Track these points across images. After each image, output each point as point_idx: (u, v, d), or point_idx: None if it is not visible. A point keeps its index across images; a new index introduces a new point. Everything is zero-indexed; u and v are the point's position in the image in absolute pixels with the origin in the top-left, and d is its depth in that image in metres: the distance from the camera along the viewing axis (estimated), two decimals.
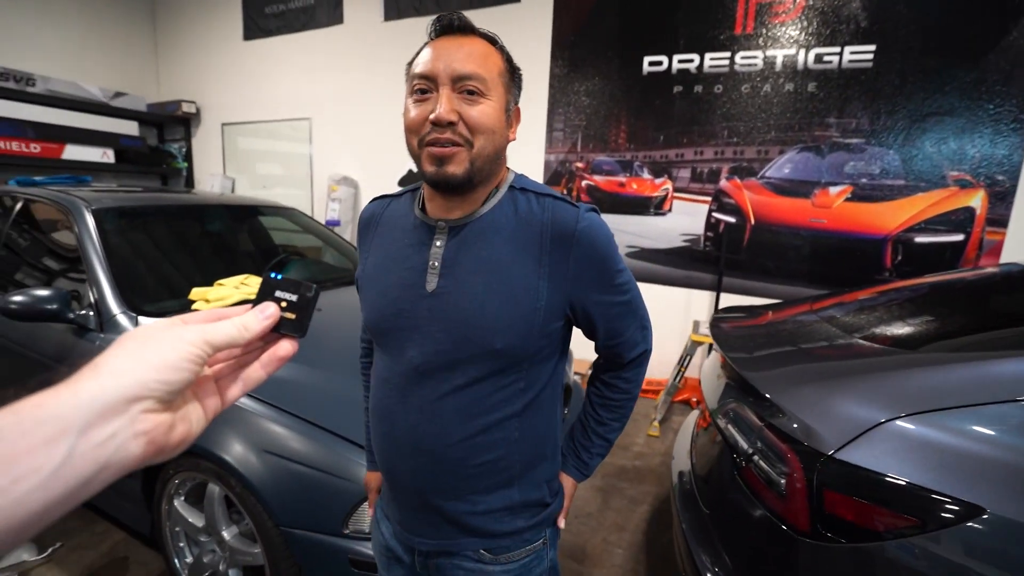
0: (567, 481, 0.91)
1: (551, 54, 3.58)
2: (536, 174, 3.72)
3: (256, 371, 0.40)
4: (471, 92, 0.68)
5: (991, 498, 0.85)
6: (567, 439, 0.94)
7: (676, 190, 3.40)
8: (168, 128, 5.58)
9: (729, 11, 3.08)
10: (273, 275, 0.41)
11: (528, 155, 3.75)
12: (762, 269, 3.21)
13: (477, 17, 0.71)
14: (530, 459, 0.81)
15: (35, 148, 4.28)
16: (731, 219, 3.25)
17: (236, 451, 1.34)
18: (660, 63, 3.30)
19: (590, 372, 0.94)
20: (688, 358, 3.08)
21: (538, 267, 0.73)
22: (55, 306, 1.65)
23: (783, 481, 1.04)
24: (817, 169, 3.01)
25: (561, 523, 0.89)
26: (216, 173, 5.38)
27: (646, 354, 0.88)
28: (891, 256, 2.88)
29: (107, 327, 1.71)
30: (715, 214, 3.30)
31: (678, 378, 3.10)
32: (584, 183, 3.65)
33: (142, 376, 0.29)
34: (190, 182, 5.60)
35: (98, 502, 1.87)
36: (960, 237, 2.75)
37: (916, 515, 0.89)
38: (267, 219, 2.83)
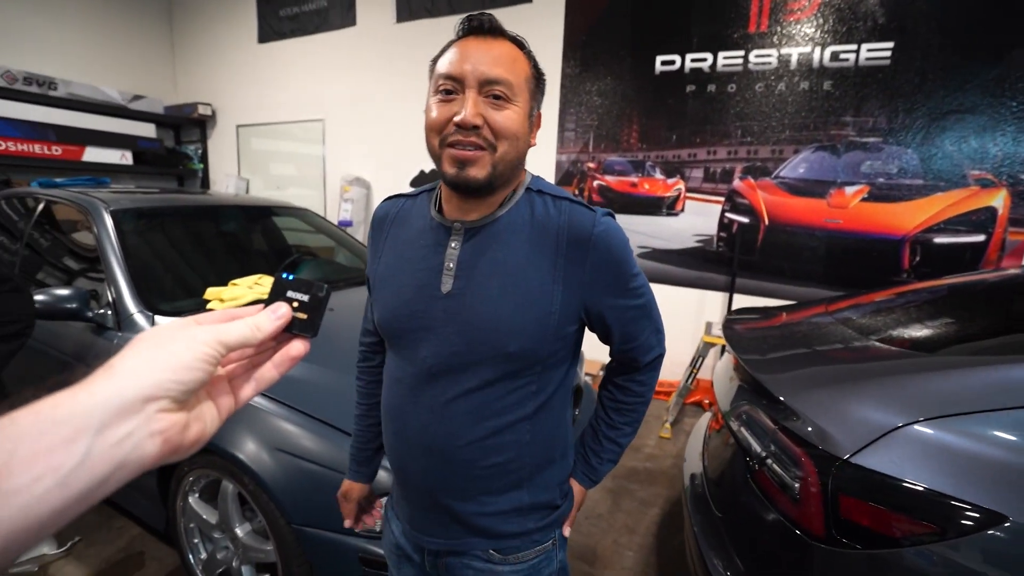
0: (576, 488, 0.90)
1: (563, 54, 3.57)
2: (547, 174, 3.72)
3: (269, 371, 0.40)
4: (497, 97, 0.68)
5: (1014, 506, 0.83)
6: (578, 444, 0.93)
7: (689, 190, 3.37)
8: (184, 130, 5.67)
9: (743, 10, 3.05)
10: (285, 275, 0.42)
11: (539, 155, 3.74)
12: (776, 270, 3.17)
13: (489, 12, 0.71)
14: (540, 461, 0.81)
15: (57, 150, 4.38)
16: (744, 219, 3.22)
17: (249, 449, 1.36)
18: (673, 62, 3.28)
19: (602, 376, 0.93)
20: (700, 360, 3.05)
21: (553, 271, 0.73)
22: (75, 305, 1.68)
23: (797, 485, 1.02)
24: (833, 169, 2.96)
25: (566, 531, 0.88)
26: (231, 174, 5.46)
27: (660, 358, 0.87)
28: (909, 257, 2.83)
29: (124, 326, 1.74)
30: (728, 214, 3.27)
31: (690, 380, 3.07)
32: (596, 183, 3.63)
33: (157, 376, 0.30)
34: (206, 183, 5.68)
35: (115, 498, 1.90)
36: (981, 238, 2.69)
37: (935, 522, 0.87)
38: (280, 219, 2.86)
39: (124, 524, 1.97)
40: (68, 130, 4.44)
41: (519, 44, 0.73)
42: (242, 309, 0.39)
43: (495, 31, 0.70)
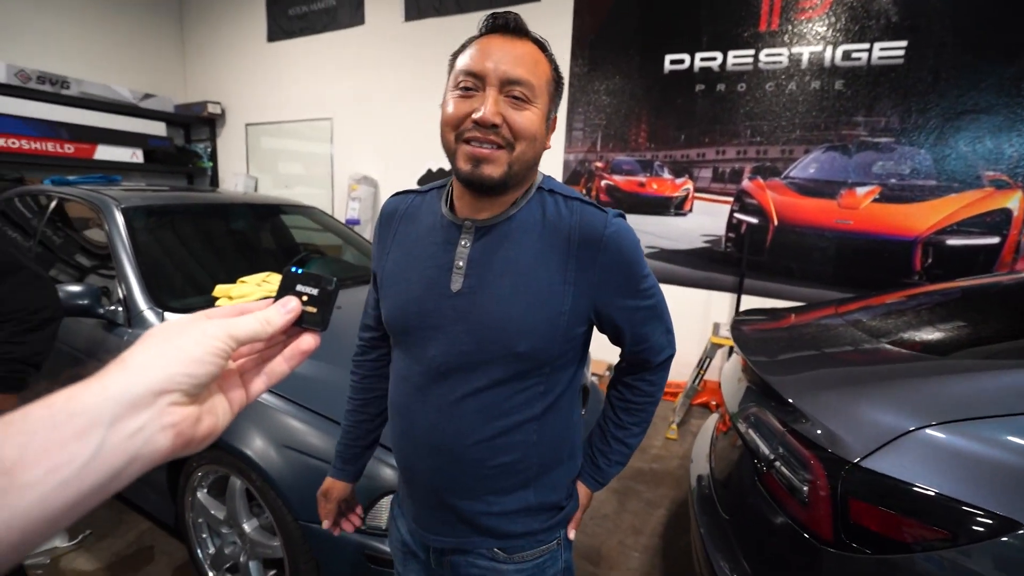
0: (582, 490, 0.90)
1: (571, 53, 3.56)
2: (555, 173, 3.71)
3: (279, 365, 0.40)
4: (517, 97, 0.67)
5: None
6: (585, 445, 0.92)
7: (697, 190, 3.35)
8: (194, 129, 5.71)
9: (754, 8, 3.03)
10: (294, 269, 0.41)
11: (547, 154, 3.73)
12: (785, 271, 3.15)
13: (515, 12, 0.70)
14: (547, 462, 0.81)
15: (69, 148, 4.43)
16: (753, 220, 3.19)
17: (257, 446, 1.36)
18: (682, 61, 3.26)
19: (611, 376, 0.93)
20: (708, 360, 3.03)
21: (564, 271, 0.73)
22: (86, 301, 1.70)
23: (806, 488, 1.01)
24: (844, 169, 2.93)
25: (571, 534, 0.88)
26: (240, 172, 5.49)
27: (671, 358, 0.87)
28: (921, 259, 2.79)
29: (135, 322, 1.75)
30: (737, 215, 3.25)
31: (697, 381, 3.06)
32: (603, 183, 3.62)
33: (168, 370, 0.30)
34: (215, 181, 5.72)
35: (126, 493, 1.92)
36: (995, 240, 2.65)
37: (947, 527, 0.86)
38: (289, 218, 2.88)
39: (134, 518, 2.00)
40: (80, 128, 4.49)
41: (542, 46, 0.72)
42: (252, 303, 0.39)
43: (519, 31, 0.70)
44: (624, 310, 0.77)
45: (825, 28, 2.87)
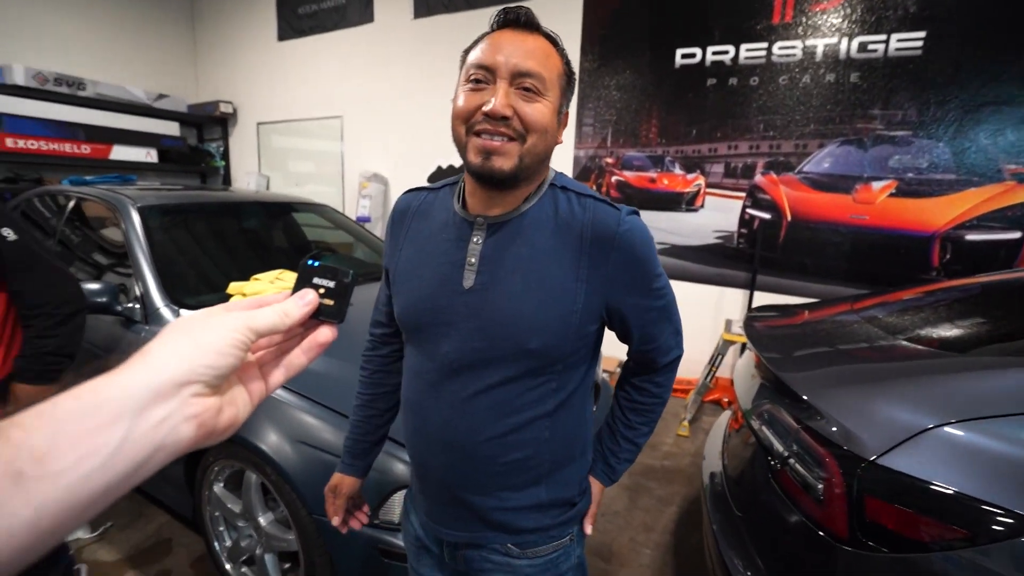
0: (595, 485, 0.91)
1: (581, 48, 3.54)
2: (565, 170, 3.70)
3: (298, 357, 0.40)
4: (527, 90, 0.67)
5: None
6: (595, 442, 0.92)
7: (709, 186, 3.32)
8: (207, 128, 5.77)
9: (767, 0, 2.98)
10: (311, 262, 0.42)
11: (557, 150, 3.71)
12: (798, 267, 3.11)
13: (527, 6, 0.70)
14: (559, 458, 0.81)
15: (85, 149, 4.50)
16: (766, 215, 3.16)
17: (272, 440, 1.38)
18: (693, 55, 3.22)
19: (619, 375, 0.93)
20: (720, 357, 3.01)
21: (577, 268, 0.72)
22: (105, 299, 1.73)
23: (820, 486, 1.00)
24: (859, 163, 2.88)
25: (588, 528, 0.88)
26: (252, 171, 5.55)
27: (678, 360, 0.87)
28: (939, 254, 2.74)
29: (151, 319, 1.78)
30: (749, 210, 3.21)
31: (709, 378, 3.04)
32: (614, 179, 3.60)
33: (190, 362, 0.31)
34: (227, 180, 5.78)
35: (145, 486, 1.96)
36: (1016, 235, 2.60)
37: (966, 526, 0.84)
38: (300, 216, 2.90)
39: (153, 511, 2.04)
40: (96, 129, 4.56)
41: (553, 41, 0.72)
42: (270, 296, 0.39)
43: (530, 25, 0.70)
44: (635, 308, 0.77)
45: (840, 19, 2.82)
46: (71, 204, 2.38)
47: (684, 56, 3.25)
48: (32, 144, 4.16)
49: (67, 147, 4.38)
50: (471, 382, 0.75)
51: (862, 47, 2.79)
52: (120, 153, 4.74)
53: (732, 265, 3.31)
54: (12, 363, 1.24)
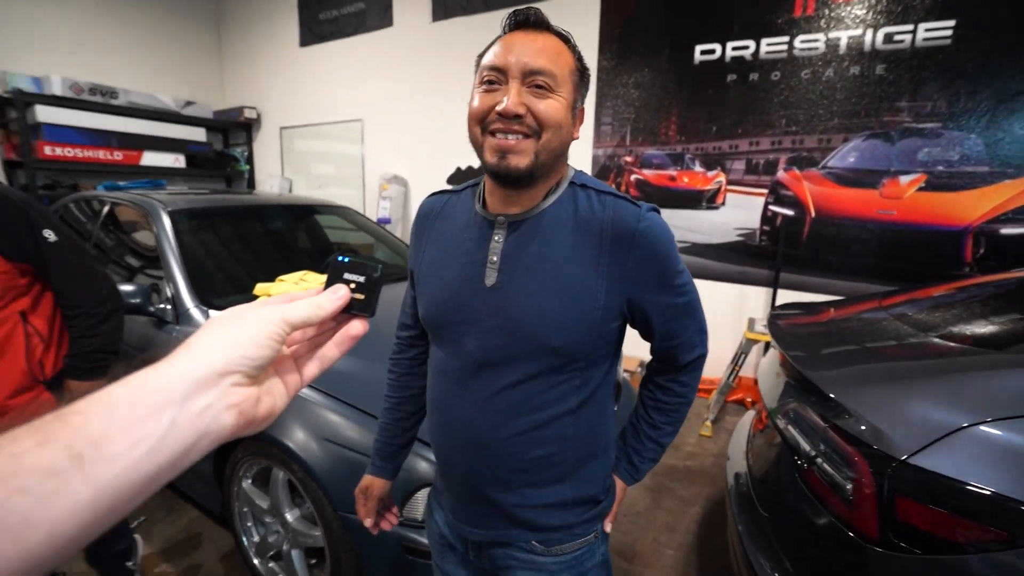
0: (618, 484, 0.90)
1: (599, 47, 3.53)
2: (584, 169, 3.68)
3: (331, 350, 0.42)
4: (539, 87, 0.68)
5: None
6: (619, 441, 0.92)
7: (730, 183, 3.28)
8: (232, 133, 5.91)
9: None
10: (341, 258, 0.43)
11: (575, 150, 3.71)
12: (823, 264, 3.04)
13: (536, 7, 0.72)
14: (583, 456, 0.81)
15: (118, 156, 4.65)
16: (789, 212, 3.10)
17: (298, 438, 1.41)
18: (713, 51, 3.18)
19: (643, 374, 0.92)
20: (742, 356, 2.97)
21: (597, 265, 0.73)
22: (138, 300, 1.79)
23: (849, 486, 0.98)
24: (886, 157, 2.81)
25: (607, 527, 0.88)
26: (275, 175, 5.66)
27: (702, 358, 0.86)
28: (972, 249, 2.65)
29: (182, 320, 1.84)
30: (772, 207, 3.16)
31: (732, 377, 2.99)
32: (633, 177, 3.58)
33: (229, 353, 0.32)
34: (251, 184, 5.91)
35: (177, 482, 2.02)
36: None
37: (1004, 528, 0.82)
38: (323, 218, 2.95)
39: (184, 507, 2.10)
40: (128, 136, 4.71)
41: (564, 38, 0.73)
42: (302, 292, 0.40)
43: (540, 25, 0.71)
44: (657, 305, 0.76)
45: (864, 11, 2.76)
46: (106, 209, 2.46)
47: (703, 52, 3.21)
48: (68, 152, 4.33)
49: (101, 154, 4.53)
50: (495, 379, 0.76)
51: (888, 38, 2.72)
52: (150, 159, 4.89)
53: (754, 263, 3.25)
54: (63, 360, 1.30)
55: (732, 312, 3.34)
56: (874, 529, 0.93)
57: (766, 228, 3.19)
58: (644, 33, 3.38)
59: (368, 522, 0.99)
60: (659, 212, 0.76)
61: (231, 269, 2.30)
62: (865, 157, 2.87)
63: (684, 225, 3.43)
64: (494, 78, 0.69)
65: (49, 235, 1.21)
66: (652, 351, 0.86)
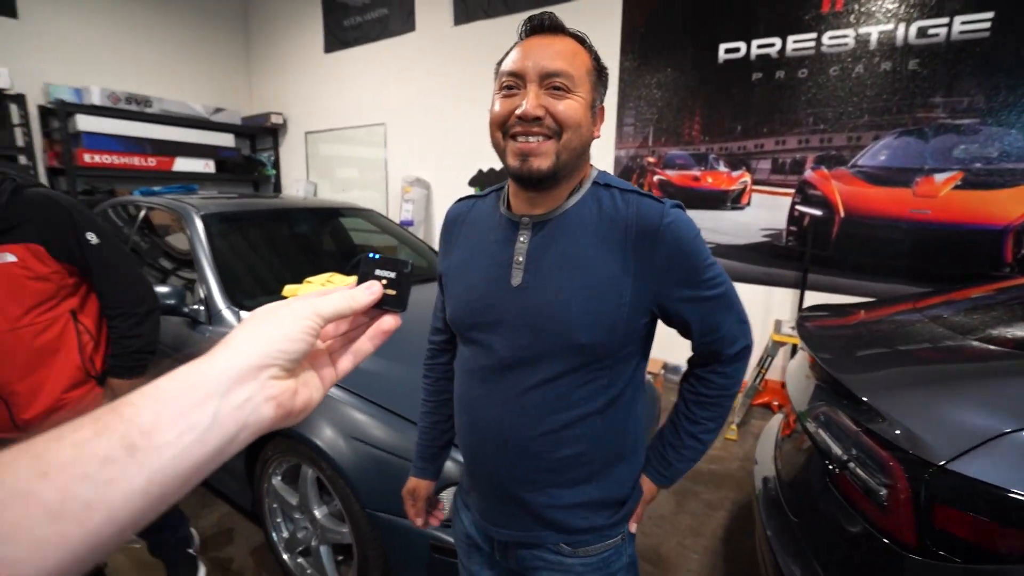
0: (646, 484, 0.88)
1: (620, 48, 3.51)
2: (606, 170, 3.67)
3: (364, 344, 0.43)
4: (557, 88, 0.69)
5: None
6: (655, 440, 0.90)
7: (755, 183, 3.22)
8: (259, 139, 6.07)
9: None
10: (372, 255, 0.44)
11: (597, 151, 3.70)
12: (853, 265, 2.97)
13: (550, 11, 0.72)
14: (611, 456, 0.81)
15: (151, 162, 4.82)
16: (817, 212, 3.03)
17: (327, 436, 1.44)
18: (737, 50, 3.14)
19: (685, 370, 0.90)
20: (769, 359, 2.91)
21: (623, 262, 0.73)
22: (173, 301, 1.85)
23: (884, 491, 0.96)
24: (920, 155, 2.73)
25: (632, 527, 0.87)
26: (300, 179, 5.78)
27: (746, 350, 0.83)
28: (1012, 249, 2.56)
29: (215, 320, 1.89)
30: (799, 207, 3.09)
31: (758, 380, 2.94)
32: (656, 178, 3.55)
33: (266, 347, 0.34)
34: (277, 187, 6.05)
35: (210, 479, 2.07)
36: None
37: None
38: (347, 220, 3.00)
39: (215, 502, 2.16)
40: (161, 143, 4.89)
41: (580, 39, 0.74)
42: (334, 288, 0.42)
43: (555, 28, 0.72)
44: (689, 301, 0.75)
45: (896, 4, 2.69)
46: (141, 213, 2.55)
47: (728, 51, 3.17)
48: (106, 159, 4.50)
49: (136, 160, 4.71)
50: (522, 378, 0.77)
51: (921, 32, 2.64)
52: (182, 164, 5.05)
53: (781, 264, 3.19)
54: (106, 360, 1.35)
55: (758, 314, 3.28)
56: (911, 536, 0.90)
57: (793, 228, 3.13)
58: (667, 33, 3.35)
59: (419, 521, 1.02)
60: (684, 208, 0.76)
61: (260, 271, 2.35)
62: (897, 155, 2.79)
63: (708, 226, 3.38)
64: (512, 83, 0.71)
65: (91, 238, 1.26)
66: (693, 349, 0.84)
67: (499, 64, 0.75)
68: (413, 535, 1.32)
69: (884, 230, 2.85)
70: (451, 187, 4.52)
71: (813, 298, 3.05)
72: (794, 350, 3.13)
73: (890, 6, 2.70)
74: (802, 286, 3.05)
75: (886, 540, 0.94)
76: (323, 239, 2.90)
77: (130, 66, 4.96)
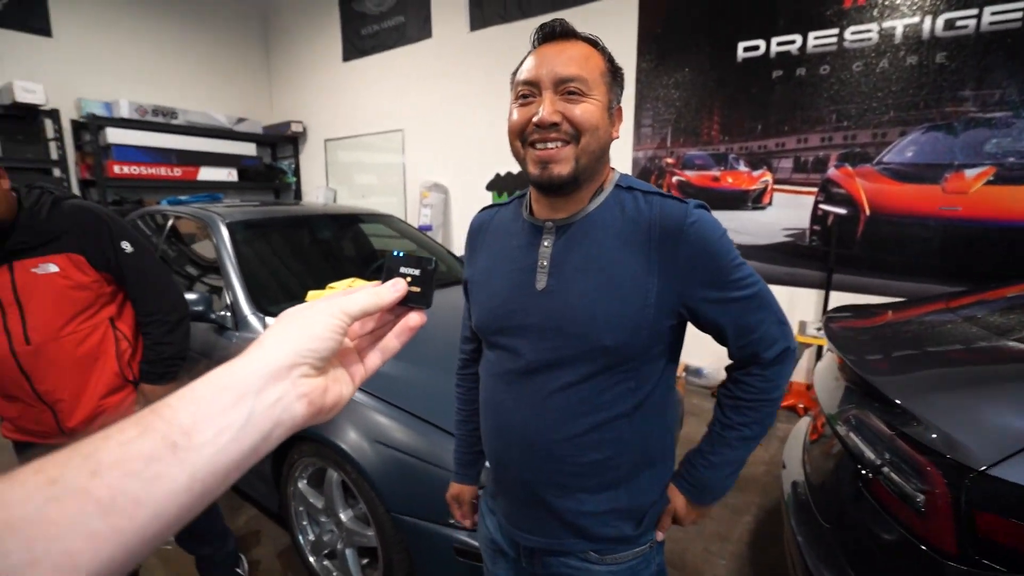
0: (674, 496, 0.85)
1: (637, 49, 3.50)
2: (624, 172, 3.65)
3: (391, 341, 0.44)
4: (572, 93, 0.69)
5: None
6: (689, 452, 0.86)
7: (777, 182, 3.17)
8: (280, 147, 6.18)
9: None
10: (396, 253, 0.45)
11: (615, 153, 3.67)
12: (880, 265, 2.89)
13: (560, 17, 0.73)
14: (638, 462, 0.80)
15: (177, 172, 4.95)
16: (841, 210, 2.97)
17: (351, 439, 1.46)
18: (756, 48, 3.10)
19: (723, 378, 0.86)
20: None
21: (647, 263, 0.73)
22: (201, 308, 1.89)
23: (921, 497, 0.93)
24: (949, 150, 2.65)
25: (659, 536, 0.85)
26: (320, 185, 5.88)
27: (788, 352, 0.78)
28: None
29: (241, 326, 1.93)
30: (822, 206, 3.03)
31: None
32: (674, 179, 3.52)
33: (296, 346, 0.35)
34: (298, 195, 6.16)
35: (238, 483, 2.10)
36: None
37: None
38: (367, 226, 3.04)
39: (243, 505, 2.20)
40: (186, 153, 5.02)
41: (592, 43, 0.74)
42: (359, 286, 0.42)
43: (567, 34, 0.73)
44: (718, 303, 0.74)
45: None
46: (169, 223, 2.62)
47: (747, 49, 3.13)
48: (134, 170, 4.64)
49: (162, 171, 4.84)
50: (548, 381, 0.77)
51: (949, 24, 2.58)
52: (206, 174, 5.17)
53: (804, 264, 3.13)
54: (140, 366, 1.39)
55: None
56: (951, 544, 0.88)
57: (816, 228, 3.07)
58: (684, 33, 3.33)
59: (467, 523, 1.06)
60: (708, 209, 0.75)
61: (283, 277, 2.39)
62: (925, 151, 2.71)
63: (729, 226, 3.28)
64: (528, 92, 0.71)
65: (126, 246, 1.30)
66: (731, 356, 0.81)
67: (514, 74, 0.75)
68: (437, 539, 1.33)
69: (912, 228, 2.78)
70: (469, 191, 4.54)
71: (838, 298, 2.98)
72: (819, 352, 3.07)
73: None
74: (827, 286, 2.99)
75: (924, 547, 0.91)
76: (344, 245, 2.93)
77: (156, 79, 5.11)
